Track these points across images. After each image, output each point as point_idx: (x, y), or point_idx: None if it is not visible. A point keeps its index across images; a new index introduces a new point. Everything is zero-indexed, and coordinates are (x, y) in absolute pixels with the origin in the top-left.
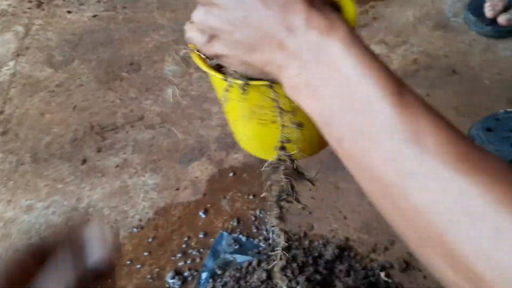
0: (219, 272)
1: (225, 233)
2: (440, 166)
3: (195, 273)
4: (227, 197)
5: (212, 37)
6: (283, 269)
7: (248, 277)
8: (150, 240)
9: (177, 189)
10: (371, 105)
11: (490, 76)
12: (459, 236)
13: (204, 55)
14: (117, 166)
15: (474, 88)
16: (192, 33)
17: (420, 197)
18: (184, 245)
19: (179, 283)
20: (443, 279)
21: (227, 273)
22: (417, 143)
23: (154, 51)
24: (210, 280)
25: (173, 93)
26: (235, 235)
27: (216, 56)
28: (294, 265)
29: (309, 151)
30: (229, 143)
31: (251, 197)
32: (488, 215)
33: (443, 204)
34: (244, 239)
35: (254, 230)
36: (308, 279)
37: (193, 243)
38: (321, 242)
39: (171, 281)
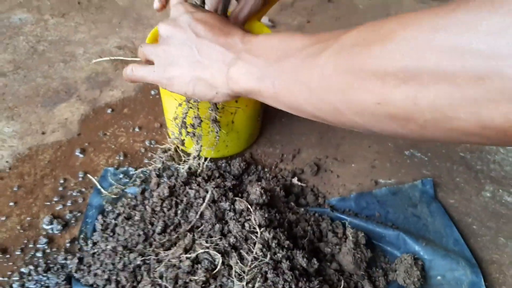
0: (109, 207)
1: (110, 168)
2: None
3: (79, 214)
4: (108, 133)
5: (169, 63)
6: (188, 183)
7: (146, 201)
8: (15, 189)
9: (43, 133)
10: (290, 51)
11: (362, 1)
12: None
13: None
14: None
15: (350, 13)
16: (150, 57)
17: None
18: (60, 188)
19: (59, 227)
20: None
21: (119, 204)
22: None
23: None
24: (99, 217)
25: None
26: (123, 168)
27: (168, 79)
28: (199, 178)
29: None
30: (101, 81)
31: (136, 129)
32: None
33: None
34: (134, 171)
35: (146, 161)
36: (217, 186)
37: (71, 185)
38: (223, 160)
39: (48, 227)
